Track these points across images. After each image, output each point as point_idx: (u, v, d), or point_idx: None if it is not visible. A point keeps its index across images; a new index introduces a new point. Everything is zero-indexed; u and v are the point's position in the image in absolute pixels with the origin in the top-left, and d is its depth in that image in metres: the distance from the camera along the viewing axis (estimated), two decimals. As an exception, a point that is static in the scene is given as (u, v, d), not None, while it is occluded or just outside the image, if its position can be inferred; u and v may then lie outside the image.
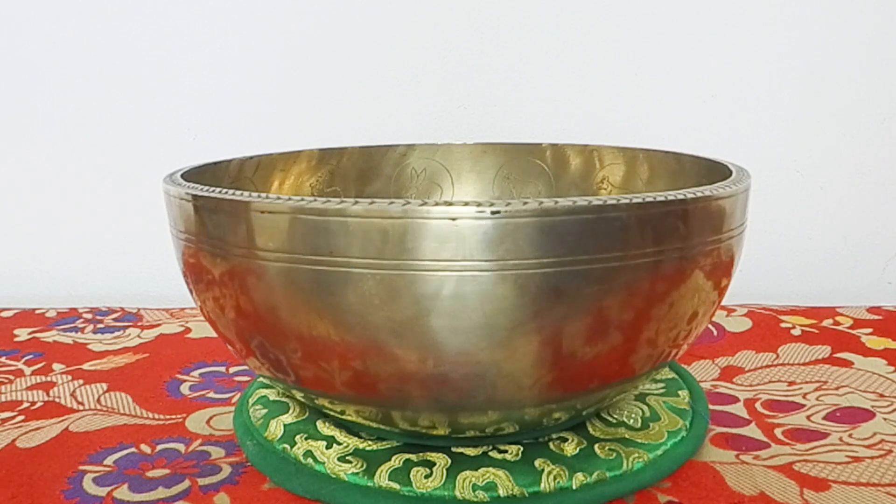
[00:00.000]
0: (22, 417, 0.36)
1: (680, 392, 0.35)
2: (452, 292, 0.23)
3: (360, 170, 0.46)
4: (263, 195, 0.25)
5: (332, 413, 0.30)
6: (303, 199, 0.24)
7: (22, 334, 0.48)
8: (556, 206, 0.23)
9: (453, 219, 0.22)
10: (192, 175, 0.33)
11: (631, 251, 0.24)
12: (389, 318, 0.24)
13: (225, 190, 0.26)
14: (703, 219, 0.26)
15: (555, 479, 0.28)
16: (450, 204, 0.22)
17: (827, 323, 0.47)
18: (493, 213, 0.22)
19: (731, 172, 0.30)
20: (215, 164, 0.37)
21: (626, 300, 0.25)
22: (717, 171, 0.33)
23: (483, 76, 0.56)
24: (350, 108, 0.57)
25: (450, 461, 0.29)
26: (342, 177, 0.45)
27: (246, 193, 0.25)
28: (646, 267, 0.24)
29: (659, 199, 0.24)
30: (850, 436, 0.33)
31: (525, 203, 0.22)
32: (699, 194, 0.25)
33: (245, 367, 0.42)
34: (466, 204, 0.22)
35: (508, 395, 0.26)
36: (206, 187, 0.27)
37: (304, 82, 0.57)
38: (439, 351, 0.24)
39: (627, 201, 0.23)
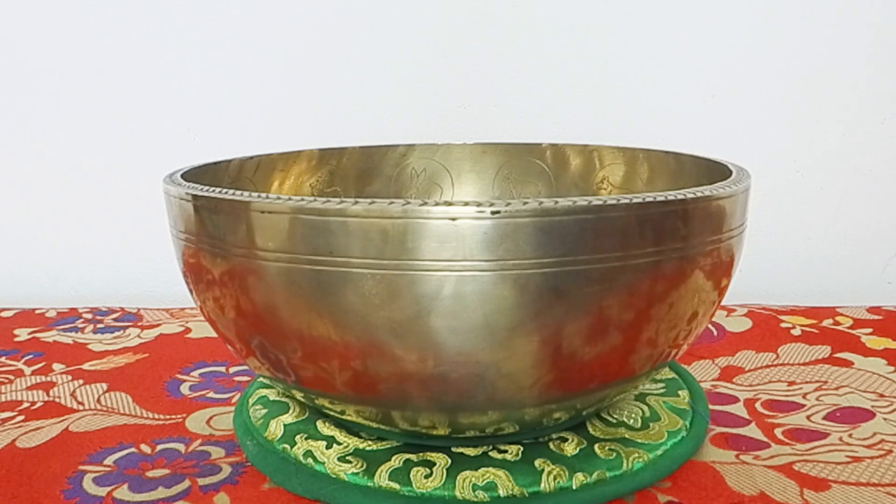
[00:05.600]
0: (22, 417, 0.36)
1: (680, 392, 0.35)
2: (452, 292, 0.23)
3: (360, 170, 0.46)
4: (263, 195, 0.25)
5: (332, 413, 0.30)
6: (303, 199, 0.24)
7: (22, 334, 0.48)
8: (556, 206, 0.23)
9: (453, 219, 0.22)
10: (192, 175, 0.33)
11: (631, 251, 0.24)
12: (389, 318, 0.24)
13: (225, 190, 0.26)
14: (703, 219, 0.26)
15: (555, 479, 0.28)
16: (450, 204, 0.22)
17: (827, 323, 0.47)
18: (493, 213, 0.22)
19: (730, 172, 0.30)
20: (215, 164, 0.37)
21: (626, 300, 0.25)
22: (716, 171, 0.33)
23: (483, 76, 0.56)
24: (350, 109, 0.57)
25: (450, 461, 0.29)
26: (342, 177, 0.45)
27: (246, 193, 0.25)
28: (646, 267, 0.24)
29: (659, 199, 0.24)
30: (850, 436, 0.33)
31: (525, 203, 0.22)
32: (699, 194, 0.25)
33: (245, 367, 0.42)
34: (466, 204, 0.22)
35: (508, 395, 0.26)
36: (206, 187, 0.27)
37: (305, 82, 0.57)
38: (439, 351, 0.24)
39: (627, 201, 0.23)
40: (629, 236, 0.24)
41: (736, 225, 0.28)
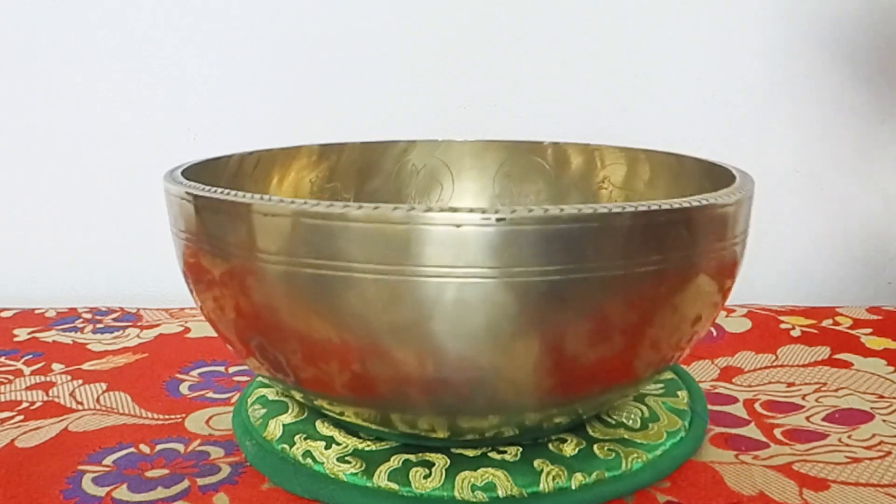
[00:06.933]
0: (21, 417, 0.36)
1: (679, 392, 0.35)
2: (454, 298, 0.23)
3: (360, 166, 0.45)
4: (266, 197, 0.24)
5: (330, 414, 0.30)
6: (305, 203, 0.23)
7: (21, 334, 0.48)
8: (561, 213, 0.22)
9: (457, 225, 0.22)
10: (192, 171, 0.33)
11: (635, 259, 0.24)
12: (391, 323, 0.24)
13: (226, 190, 0.26)
14: (708, 226, 0.25)
15: (554, 479, 0.28)
16: (454, 210, 0.22)
17: (826, 323, 0.47)
18: (497, 220, 0.22)
19: (733, 176, 0.30)
20: (215, 159, 0.37)
21: (630, 308, 0.24)
22: (718, 173, 0.33)
23: (484, 76, 0.56)
24: (350, 109, 0.57)
25: (449, 462, 0.29)
26: (342, 173, 0.45)
27: (248, 195, 0.25)
28: (649, 275, 0.24)
29: (664, 207, 0.24)
30: (849, 437, 0.33)
31: (530, 210, 0.22)
32: (704, 202, 0.25)
33: (244, 367, 0.42)
34: (471, 210, 0.22)
35: (509, 400, 0.26)
36: (207, 187, 0.27)
37: (307, 81, 0.57)
38: (440, 356, 0.24)
39: (633, 209, 0.23)
40: (633, 244, 0.24)
41: (740, 231, 0.28)
